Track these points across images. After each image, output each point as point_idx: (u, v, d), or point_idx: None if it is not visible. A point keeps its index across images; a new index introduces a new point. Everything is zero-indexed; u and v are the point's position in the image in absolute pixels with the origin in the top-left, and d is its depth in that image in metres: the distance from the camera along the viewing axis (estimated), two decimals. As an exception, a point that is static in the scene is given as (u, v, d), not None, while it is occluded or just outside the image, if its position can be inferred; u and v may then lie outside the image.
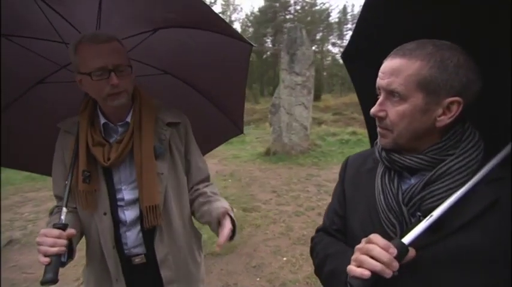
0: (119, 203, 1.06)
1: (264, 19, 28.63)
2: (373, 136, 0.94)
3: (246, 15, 42.84)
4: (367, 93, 0.92)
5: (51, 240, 0.85)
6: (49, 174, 1.44)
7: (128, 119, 1.06)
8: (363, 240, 0.59)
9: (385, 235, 0.60)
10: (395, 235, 0.62)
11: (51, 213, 1.11)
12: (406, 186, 0.64)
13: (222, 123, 1.49)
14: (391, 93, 0.61)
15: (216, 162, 6.94)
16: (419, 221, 0.58)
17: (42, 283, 0.83)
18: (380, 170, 0.69)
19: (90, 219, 1.03)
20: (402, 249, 0.55)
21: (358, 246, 0.59)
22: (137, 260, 1.07)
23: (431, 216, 0.56)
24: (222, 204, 1.10)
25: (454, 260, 0.56)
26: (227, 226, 0.98)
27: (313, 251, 0.85)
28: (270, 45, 28.97)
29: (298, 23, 7.68)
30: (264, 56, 28.96)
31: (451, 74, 0.57)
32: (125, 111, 1.06)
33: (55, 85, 1.32)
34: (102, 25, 1.14)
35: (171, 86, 1.46)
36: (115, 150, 1.02)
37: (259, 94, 23.41)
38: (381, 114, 0.62)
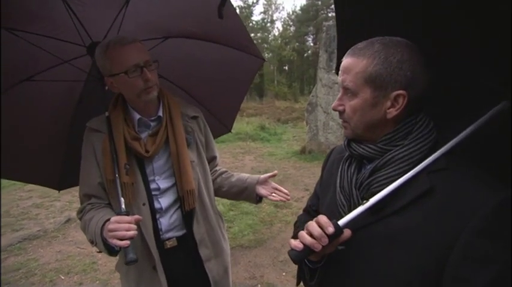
0: (153, 193, 1.14)
1: (305, 17, 28.17)
2: None
3: (288, 14, 42.56)
4: None
5: (126, 225, 0.91)
6: (16, 179, 1.48)
7: (160, 113, 1.14)
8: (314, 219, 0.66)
9: (338, 214, 0.70)
10: (345, 214, 0.68)
11: (80, 211, 1.12)
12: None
13: (211, 125, 1.39)
14: (345, 89, 0.67)
15: (252, 159, 7.07)
16: (363, 203, 0.64)
17: (127, 263, 0.89)
18: (344, 157, 0.76)
19: (128, 211, 1.05)
20: (336, 229, 0.61)
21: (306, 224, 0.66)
22: (169, 243, 1.17)
23: (367, 201, 0.62)
24: (246, 174, 1.33)
25: (391, 240, 0.61)
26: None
27: (295, 227, 0.96)
28: (311, 44, 28.45)
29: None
30: (305, 55, 28.52)
31: (394, 69, 0.61)
32: (154, 107, 1.14)
33: (42, 84, 1.27)
34: (114, 30, 1.21)
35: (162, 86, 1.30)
36: (151, 143, 1.10)
37: (298, 93, 23.13)
38: (340, 108, 0.69)
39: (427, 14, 0.62)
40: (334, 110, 0.70)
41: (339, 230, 0.62)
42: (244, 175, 1.33)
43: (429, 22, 0.63)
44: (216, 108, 1.64)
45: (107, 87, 1.13)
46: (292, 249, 0.63)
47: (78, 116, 1.42)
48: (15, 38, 1.11)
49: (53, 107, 1.40)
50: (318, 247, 0.60)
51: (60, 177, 1.55)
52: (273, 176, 1.27)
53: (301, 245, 0.62)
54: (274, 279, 2.59)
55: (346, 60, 0.66)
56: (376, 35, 0.66)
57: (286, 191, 1.26)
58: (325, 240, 0.60)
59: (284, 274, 2.66)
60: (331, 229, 0.60)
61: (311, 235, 0.61)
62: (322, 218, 0.62)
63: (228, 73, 1.54)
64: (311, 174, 5.62)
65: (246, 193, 1.29)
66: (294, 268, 2.68)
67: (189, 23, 1.29)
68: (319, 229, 0.60)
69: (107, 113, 1.12)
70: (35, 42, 1.14)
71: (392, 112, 0.63)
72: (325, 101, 6.83)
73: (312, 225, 0.62)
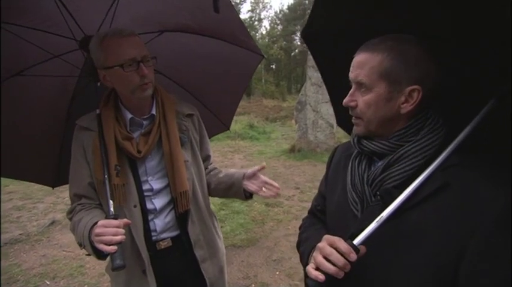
0: (146, 193, 1.10)
1: (292, 16, 28.36)
2: (339, 116, 1.03)
3: (275, 12, 42.66)
4: (331, 74, 0.94)
5: (113, 230, 0.87)
6: (11, 177, 1.41)
7: (153, 112, 1.09)
8: (324, 237, 0.64)
9: (350, 212, 0.70)
10: (358, 212, 0.69)
11: (70, 212, 1.08)
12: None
13: (208, 122, 1.38)
14: (359, 84, 0.66)
15: (242, 157, 7.04)
16: (378, 200, 0.64)
17: (114, 269, 0.86)
18: (354, 154, 0.76)
19: (119, 212, 1.01)
20: (356, 253, 0.60)
21: (319, 244, 0.63)
22: (164, 244, 1.13)
23: (381, 217, 0.60)
24: (234, 169, 1.26)
25: (405, 237, 0.60)
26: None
27: (299, 231, 0.95)
28: (299, 43, 28.61)
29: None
30: (292, 54, 28.69)
31: (410, 64, 0.62)
32: (147, 104, 1.09)
33: (33, 79, 1.23)
34: (106, 24, 1.16)
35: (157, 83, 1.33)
36: (144, 142, 1.06)
37: (286, 92, 23.25)
38: (352, 104, 0.68)
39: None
40: (346, 105, 0.69)
41: (357, 251, 0.60)
42: (232, 170, 1.26)
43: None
44: (214, 105, 1.59)
45: (99, 83, 1.08)
46: (311, 279, 0.61)
47: (73, 112, 1.36)
48: (2, 31, 1.05)
49: (47, 103, 1.34)
50: (341, 274, 0.59)
51: (56, 174, 1.49)
52: (261, 169, 1.17)
53: (322, 277, 0.59)
54: (268, 278, 2.58)
55: (359, 56, 0.66)
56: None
57: (276, 184, 1.16)
58: (349, 267, 0.59)
59: (277, 273, 2.65)
60: (353, 256, 0.59)
61: (329, 260, 0.60)
62: (342, 244, 0.60)
63: (226, 69, 1.50)
64: (301, 172, 5.64)
65: (234, 189, 1.21)
66: (288, 266, 2.70)
67: (184, 16, 1.25)
68: (341, 258, 0.59)
69: (98, 111, 1.07)
70: (24, 36, 1.09)
71: (407, 107, 0.64)
72: (314, 100, 6.88)
73: (333, 254, 0.60)
